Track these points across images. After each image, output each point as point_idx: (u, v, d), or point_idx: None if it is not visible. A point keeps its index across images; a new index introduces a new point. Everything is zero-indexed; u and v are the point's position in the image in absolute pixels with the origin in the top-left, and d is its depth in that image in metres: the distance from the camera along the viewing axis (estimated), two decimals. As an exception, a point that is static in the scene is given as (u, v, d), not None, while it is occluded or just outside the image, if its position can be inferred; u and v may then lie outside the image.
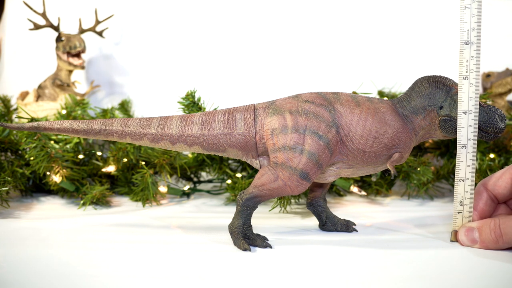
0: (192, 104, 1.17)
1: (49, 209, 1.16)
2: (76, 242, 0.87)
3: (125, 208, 1.17)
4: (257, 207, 0.85)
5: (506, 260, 0.79)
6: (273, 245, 0.85)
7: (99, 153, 1.33)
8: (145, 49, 1.73)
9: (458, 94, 0.84)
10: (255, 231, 0.91)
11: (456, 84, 0.88)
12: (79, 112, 1.33)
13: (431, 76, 0.89)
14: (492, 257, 0.80)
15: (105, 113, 1.39)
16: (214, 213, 1.14)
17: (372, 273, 0.74)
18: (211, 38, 1.73)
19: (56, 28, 1.49)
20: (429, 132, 0.89)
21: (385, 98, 1.28)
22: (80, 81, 1.63)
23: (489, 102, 1.35)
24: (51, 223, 1.00)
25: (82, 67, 1.50)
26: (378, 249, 0.84)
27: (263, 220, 1.05)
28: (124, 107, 1.60)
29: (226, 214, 1.10)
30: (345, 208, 1.19)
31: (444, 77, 0.88)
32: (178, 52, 1.73)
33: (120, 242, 0.87)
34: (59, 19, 1.49)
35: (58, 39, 1.48)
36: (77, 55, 1.50)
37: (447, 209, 1.18)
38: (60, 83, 1.49)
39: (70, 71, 1.53)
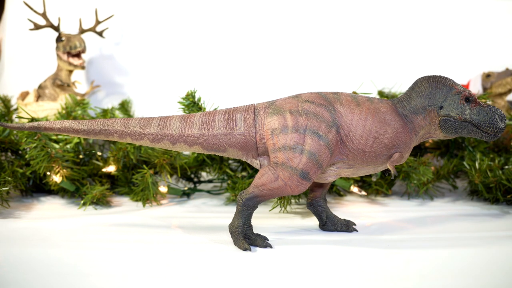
0: (192, 104, 1.17)
1: (49, 209, 1.16)
2: (76, 242, 0.87)
3: (125, 208, 1.17)
4: (257, 207, 0.86)
5: (506, 260, 0.79)
6: (273, 245, 0.85)
7: (99, 153, 1.33)
8: (145, 49, 1.73)
9: None
10: (255, 231, 0.91)
11: (456, 84, 0.88)
12: (79, 112, 1.33)
13: (431, 76, 0.89)
14: (492, 257, 0.80)
15: (105, 113, 1.39)
16: (214, 213, 1.14)
17: (372, 273, 0.74)
18: (211, 38, 1.73)
19: (56, 28, 1.49)
20: (429, 132, 0.89)
21: (385, 98, 1.28)
22: (80, 81, 1.63)
23: (489, 102, 1.35)
24: (51, 223, 1.00)
25: (83, 67, 1.50)
26: (378, 249, 0.84)
27: (263, 220, 1.05)
28: (124, 107, 1.60)
29: (226, 214, 1.10)
30: (345, 208, 1.19)
31: (444, 77, 0.89)
32: (178, 52, 1.73)
33: (120, 242, 0.87)
34: (59, 19, 1.49)
35: (58, 39, 1.48)
36: (77, 55, 1.50)
37: (447, 209, 1.18)
38: (61, 83, 1.49)
39: (71, 71, 1.53)
